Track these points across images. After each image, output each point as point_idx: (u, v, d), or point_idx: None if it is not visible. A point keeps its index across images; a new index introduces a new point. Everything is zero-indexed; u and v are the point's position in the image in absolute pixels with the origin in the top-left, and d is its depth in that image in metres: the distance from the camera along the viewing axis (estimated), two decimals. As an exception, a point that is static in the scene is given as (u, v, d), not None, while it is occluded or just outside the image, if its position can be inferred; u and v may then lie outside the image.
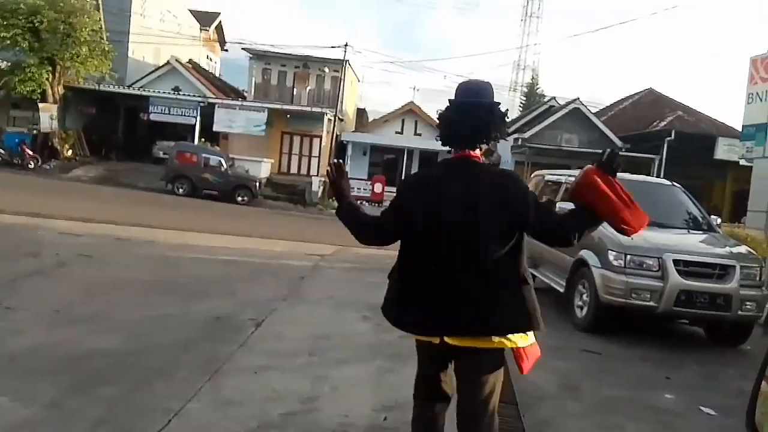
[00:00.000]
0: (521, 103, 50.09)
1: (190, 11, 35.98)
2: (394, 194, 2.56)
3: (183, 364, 4.09)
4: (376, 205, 23.15)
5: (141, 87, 27.30)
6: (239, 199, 20.97)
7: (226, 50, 40.88)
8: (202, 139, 25.02)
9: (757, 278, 6.31)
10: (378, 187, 23.97)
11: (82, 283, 6.18)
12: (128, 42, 28.26)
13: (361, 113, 37.13)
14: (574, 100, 27.44)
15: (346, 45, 27.87)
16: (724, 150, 22.89)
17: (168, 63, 28.72)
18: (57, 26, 22.17)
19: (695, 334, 6.98)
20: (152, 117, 25.71)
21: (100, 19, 24.29)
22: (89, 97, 26.06)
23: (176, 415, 3.25)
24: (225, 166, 21.27)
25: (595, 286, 6.17)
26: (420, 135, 29.54)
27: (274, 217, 18.27)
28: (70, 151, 24.62)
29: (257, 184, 21.60)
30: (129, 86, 27.12)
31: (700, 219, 7.36)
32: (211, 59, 39.13)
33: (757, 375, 0.97)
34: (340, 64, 28.15)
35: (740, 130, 14.13)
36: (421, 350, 2.54)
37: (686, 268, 5.98)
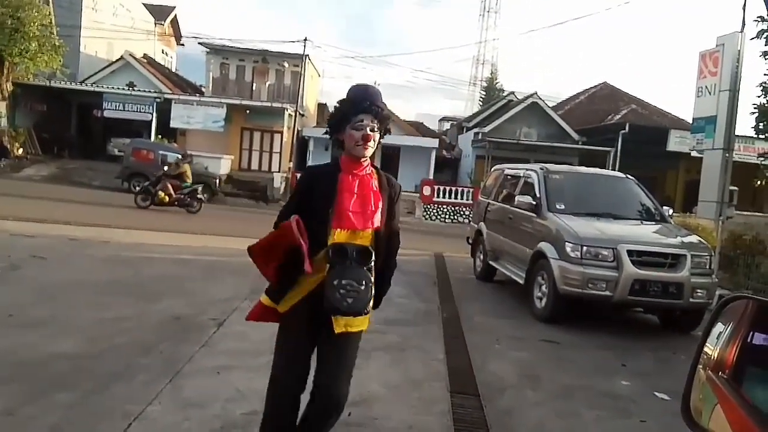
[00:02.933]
0: (481, 97, 50.64)
1: (144, 5, 35.07)
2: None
3: (142, 367, 4.02)
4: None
5: (94, 83, 26.52)
6: (198, 196, 20.57)
7: (182, 45, 40.04)
8: (159, 136, 24.50)
9: (707, 267, 6.55)
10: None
11: (35, 286, 6.00)
12: (80, 37, 27.41)
13: (322, 108, 36.86)
14: (532, 94, 27.92)
15: (305, 39, 27.64)
16: (675, 142, 23.64)
17: (122, 58, 27.97)
18: (4, 21, 21.36)
19: (649, 321, 7.21)
20: (106, 114, 25.05)
21: (49, 14, 23.48)
22: (40, 94, 25.21)
23: (136, 419, 3.20)
24: (183, 163, 20.83)
25: (554, 278, 6.31)
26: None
27: (234, 214, 18.03)
28: (20, 150, 23.78)
29: (217, 180, 21.26)
30: (81, 82, 26.33)
31: (653, 210, 7.60)
32: (166, 54, 38.25)
33: (692, 360, 1.01)
34: (299, 58, 27.90)
35: (691, 122, 14.61)
36: None
37: (640, 258, 6.17)
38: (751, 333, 0.97)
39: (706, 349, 1.01)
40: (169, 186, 15.67)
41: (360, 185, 2.52)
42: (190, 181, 16.20)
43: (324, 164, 2.71)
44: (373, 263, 2.44)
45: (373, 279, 2.42)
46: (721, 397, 0.96)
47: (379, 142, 2.61)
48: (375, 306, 2.52)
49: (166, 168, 16.82)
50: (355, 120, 2.48)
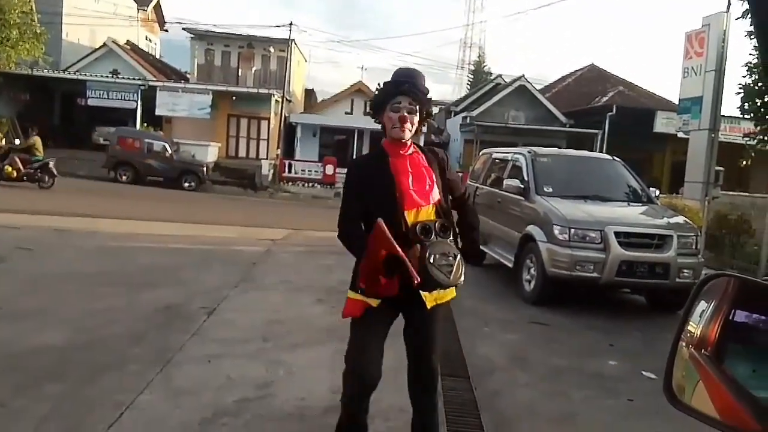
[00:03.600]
0: (469, 81, 50.53)
1: (126, -10, 34.55)
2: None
3: (133, 357, 4.01)
4: (328, 186, 23.04)
5: (77, 71, 26.16)
6: (186, 185, 20.49)
7: (166, 31, 39.52)
8: (145, 124, 24.26)
9: (694, 247, 6.62)
10: (329, 169, 23.81)
11: (23, 278, 5.96)
12: (62, 24, 26.94)
13: (309, 94, 36.68)
14: (520, 77, 27.87)
15: (291, 24, 27.39)
16: (662, 123, 23.74)
17: (105, 45, 27.58)
18: (-17, 9, 20.96)
19: (637, 302, 7.29)
20: (90, 102, 24.73)
21: (30, 0, 23.05)
22: (22, 83, 24.80)
23: (128, 408, 3.20)
24: (170, 151, 20.71)
25: (542, 260, 6.35)
26: (370, 114, 29.45)
27: (223, 202, 17.96)
28: (3, 140, 23.43)
29: (204, 169, 21.14)
30: (64, 70, 25.96)
31: (640, 191, 7.65)
32: (150, 40, 37.75)
33: (673, 338, 1.03)
34: (285, 43, 27.65)
35: (677, 103, 14.69)
36: None
37: (627, 240, 6.22)
38: (733, 311, 0.98)
39: (689, 327, 1.02)
40: (17, 160, 14.63)
41: (411, 165, 2.54)
42: (41, 154, 15.12)
43: (367, 153, 2.78)
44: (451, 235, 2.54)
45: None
46: (704, 374, 0.98)
47: (421, 126, 2.62)
48: (478, 256, 2.62)
49: (16, 142, 16.45)
50: (394, 102, 2.49)
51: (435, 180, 2.55)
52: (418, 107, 2.51)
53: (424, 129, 2.65)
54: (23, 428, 2.93)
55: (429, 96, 2.58)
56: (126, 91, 24.75)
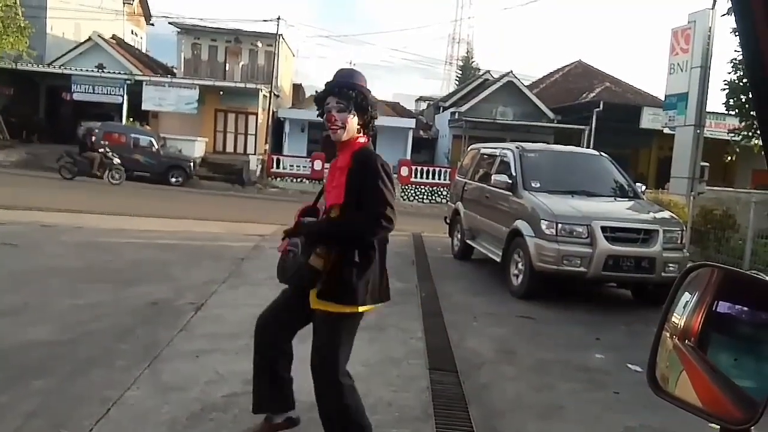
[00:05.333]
0: (457, 77, 50.56)
1: (112, -17, 34.15)
2: (381, 173, 2.54)
3: (120, 352, 4.00)
4: (317, 182, 22.97)
5: (62, 65, 25.79)
6: (173, 180, 20.35)
7: (152, 25, 39.11)
8: (131, 119, 24.01)
9: (679, 241, 6.69)
10: (318, 165, 23.72)
11: (8, 273, 5.90)
12: (46, 17, 26.54)
13: (297, 89, 36.50)
14: (508, 73, 27.93)
15: (278, 18, 27.19)
16: (649, 119, 23.92)
17: (90, 39, 27.20)
18: (-34, 2, 20.63)
19: (623, 296, 7.36)
20: (75, 96, 24.43)
21: (13, -7, 22.73)
22: (6, 77, 24.44)
23: (115, 404, 3.19)
24: (156, 146, 20.54)
25: (530, 255, 6.39)
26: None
27: (210, 198, 17.85)
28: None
29: (191, 164, 21.00)
30: (49, 64, 25.59)
31: (626, 187, 7.71)
32: (136, 34, 37.35)
33: (657, 327, 1.04)
34: (273, 38, 27.47)
35: (663, 99, 14.80)
36: (358, 322, 2.69)
37: (613, 234, 6.28)
38: (716, 301, 1.00)
39: (673, 318, 1.04)
40: None
41: (338, 165, 2.63)
42: None
43: None
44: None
45: (303, 253, 2.52)
46: (687, 364, 0.99)
47: (367, 124, 2.64)
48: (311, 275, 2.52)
49: None
50: (325, 103, 2.59)
51: (341, 182, 2.56)
52: (351, 105, 2.54)
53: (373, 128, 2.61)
54: (10, 424, 2.90)
55: (361, 92, 2.58)
56: (112, 86, 24.48)
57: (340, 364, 2.60)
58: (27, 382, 3.37)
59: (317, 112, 2.68)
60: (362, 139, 2.65)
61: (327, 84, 2.62)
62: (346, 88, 2.55)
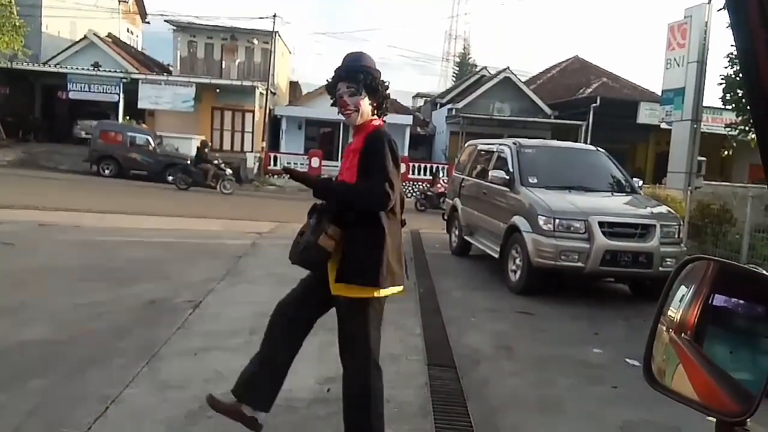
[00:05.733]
0: (454, 73, 50.53)
1: (107, -18, 34.00)
2: (387, 149, 2.53)
3: (118, 351, 3.99)
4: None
5: (57, 64, 25.72)
6: (170, 178, 20.31)
7: (148, 22, 38.98)
8: (127, 117, 23.97)
9: (676, 236, 6.71)
10: (315, 162, 23.70)
11: (5, 273, 5.89)
12: (41, 16, 26.45)
13: (294, 86, 36.44)
14: (505, 69, 27.93)
15: (275, 15, 27.15)
16: (646, 114, 23.94)
17: (85, 38, 27.13)
18: (-39, 1, 20.54)
19: (621, 291, 7.38)
20: (71, 95, 24.38)
21: (8, -8, 22.62)
22: (1, 77, 24.36)
23: (113, 402, 3.19)
24: (153, 144, 20.50)
25: (527, 251, 6.40)
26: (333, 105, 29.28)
27: (208, 195, 17.82)
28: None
29: (188, 162, 20.95)
30: (44, 63, 25.53)
31: (623, 182, 7.72)
32: (132, 33, 37.25)
33: (653, 321, 1.04)
34: (269, 35, 27.43)
35: (660, 94, 14.81)
36: (382, 308, 2.65)
37: (611, 229, 6.29)
38: (712, 294, 1.00)
39: (669, 311, 1.04)
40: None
41: (352, 147, 2.65)
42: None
43: None
44: (327, 215, 2.53)
45: (313, 233, 2.49)
46: (683, 357, 1.00)
47: (380, 105, 2.65)
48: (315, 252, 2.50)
49: None
50: (336, 89, 2.60)
51: (354, 162, 2.57)
52: (361, 87, 2.55)
53: (388, 110, 2.61)
54: (8, 423, 2.90)
55: (370, 72, 2.57)
56: (108, 84, 24.42)
57: (372, 352, 2.58)
58: (25, 381, 3.37)
59: (330, 102, 2.69)
60: (376, 122, 2.65)
61: (336, 70, 2.61)
62: (355, 72, 2.56)
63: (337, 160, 26.34)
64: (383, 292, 2.54)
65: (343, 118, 2.65)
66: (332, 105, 2.69)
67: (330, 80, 2.63)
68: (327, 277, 2.56)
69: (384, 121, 2.71)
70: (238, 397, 2.67)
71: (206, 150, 18.20)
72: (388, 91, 2.68)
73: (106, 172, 20.02)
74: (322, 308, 2.71)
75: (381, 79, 2.63)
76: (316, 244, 2.46)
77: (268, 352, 2.73)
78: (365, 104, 2.58)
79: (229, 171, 18.31)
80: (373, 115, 2.64)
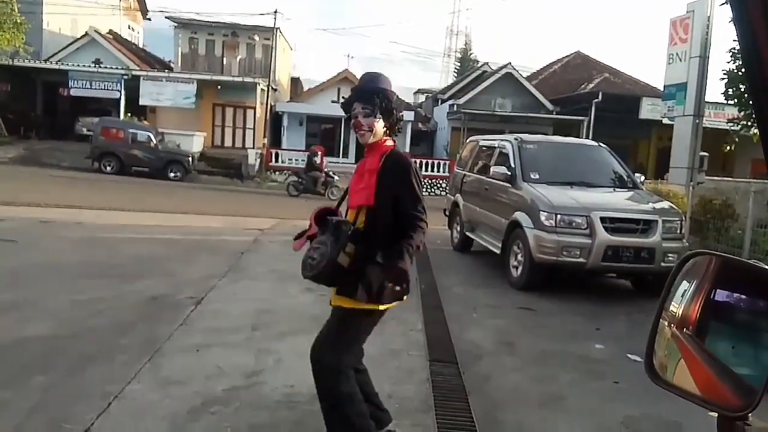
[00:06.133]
0: (455, 69, 50.44)
1: (108, -22, 33.94)
2: (413, 173, 2.59)
3: (120, 347, 4.00)
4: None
5: (59, 61, 25.70)
6: (172, 175, 20.33)
7: (149, 19, 38.90)
8: (128, 114, 23.97)
9: (678, 231, 6.69)
10: (316, 159, 23.65)
11: (7, 270, 5.90)
12: (42, 13, 26.39)
13: (295, 82, 36.42)
14: (506, 65, 27.87)
15: (276, 12, 27.09)
16: (648, 110, 23.88)
17: (87, 34, 27.11)
18: (-39, -2, 20.52)
19: (622, 286, 7.37)
20: (73, 92, 24.36)
21: (9, -11, 22.59)
22: (3, 74, 24.37)
23: (116, 398, 3.19)
24: (155, 141, 20.50)
25: (529, 246, 6.39)
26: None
27: (209, 192, 17.84)
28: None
29: (190, 158, 20.97)
30: (46, 60, 25.51)
31: (625, 177, 7.71)
32: (133, 29, 37.19)
33: (655, 316, 1.04)
34: (270, 31, 27.38)
35: (662, 90, 14.77)
36: (377, 319, 2.68)
37: (612, 225, 6.28)
38: (714, 289, 0.99)
39: (671, 306, 1.04)
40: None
41: (365, 166, 2.67)
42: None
43: None
44: (347, 232, 2.52)
45: (333, 249, 2.49)
46: (685, 352, 0.99)
47: (393, 126, 2.68)
48: (398, 281, 2.49)
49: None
50: (352, 108, 2.65)
51: (370, 183, 2.58)
52: (376, 109, 2.59)
53: (404, 129, 2.68)
54: (11, 420, 2.91)
55: (385, 95, 2.61)
56: (109, 81, 24.41)
57: (342, 355, 2.60)
58: (28, 378, 3.38)
59: (345, 116, 2.75)
60: (389, 142, 2.69)
61: (353, 90, 2.70)
62: (371, 93, 2.61)
63: (339, 156, 26.41)
64: (382, 307, 2.59)
65: (356, 134, 2.69)
66: (345, 120, 2.76)
67: (346, 99, 2.71)
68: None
69: (395, 141, 2.75)
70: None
71: (315, 159, 18.53)
72: (401, 114, 2.73)
73: (108, 168, 20.03)
74: None
75: (396, 100, 2.67)
76: (335, 261, 2.48)
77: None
78: (379, 125, 2.63)
79: (336, 178, 18.41)
80: (385, 135, 2.68)
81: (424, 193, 2.65)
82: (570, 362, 4.46)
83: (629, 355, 4.60)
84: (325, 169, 18.53)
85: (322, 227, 2.64)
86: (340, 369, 2.59)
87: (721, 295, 1.00)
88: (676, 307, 1.04)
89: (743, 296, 0.99)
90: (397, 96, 2.71)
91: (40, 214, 9.37)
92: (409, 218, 2.53)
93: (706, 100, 13.57)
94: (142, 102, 24.40)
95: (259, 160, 23.75)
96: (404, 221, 2.54)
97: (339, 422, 2.61)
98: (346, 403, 2.59)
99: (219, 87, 26.04)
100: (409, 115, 27.25)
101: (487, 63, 32.13)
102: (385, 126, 2.65)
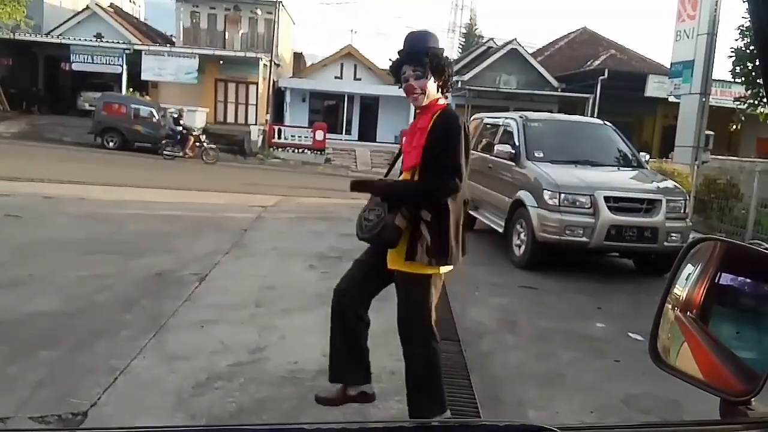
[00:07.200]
0: (460, 44, 49.85)
1: (108, -50, 33.49)
2: (462, 137, 2.53)
3: (126, 323, 4.04)
4: (318, 152, 22.86)
5: (60, 35, 25.52)
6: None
7: (151, -7, 38.56)
8: (130, 89, 23.85)
9: (682, 211, 6.68)
10: (319, 135, 23.59)
11: (12, 245, 5.93)
12: (43, -15, 26.20)
13: (298, 58, 36.11)
14: (512, 41, 27.58)
15: (278, -15, 26.76)
16: (654, 87, 23.66)
17: (88, 8, 26.88)
18: (-39, -29, 20.30)
19: (625, 265, 7.38)
20: (74, 67, 24.23)
21: (9, -39, 22.31)
22: (4, 48, 24.22)
23: (122, 373, 3.23)
24: (157, 116, 20.42)
25: (532, 225, 6.39)
26: (360, 80, 29.03)
27: (212, 168, 17.82)
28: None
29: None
30: (47, 34, 25.33)
31: (630, 156, 7.67)
32: (134, 3, 36.83)
33: (660, 299, 1.04)
34: (273, 5, 27.06)
35: (669, 67, 14.62)
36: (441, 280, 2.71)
37: (616, 204, 6.26)
38: (719, 274, 1.00)
39: (675, 290, 1.04)
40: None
41: (417, 127, 2.63)
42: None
43: None
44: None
45: (397, 211, 2.48)
46: (689, 336, 1.00)
47: (445, 84, 2.62)
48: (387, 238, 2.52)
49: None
50: (401, 72, 2.58)
51: (420, 143, 2.56)
52: (427, 70, 2.53)
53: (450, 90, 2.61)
54: (19, 394, 2.95)
55: (435, 53, 2.56)
56: (111, 56, 24.24)
57: (432, 324, 2.65)
58: (34, 353, 3.42)
59: (396, 84, 2.66)
60: (442, 101, 2.64)
61: (399, 52, 2.59)
62: (420, 54, 2.54)
63: (342, 133, 26.32)
64: (443, 270, 2.61)
65: (410, 101, 2.62)
66: (397, 86, 2.67)
67: (394, 62, 2.61)
68: (386, 253, 2.60)
69: (447, 99, 2.71)
70: (336, 381, 2.76)
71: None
72: (452, 69, 2.67)
73: (111, 144, 19.99)
74: (381, 284, 2.75)
75: (445, 57, 2.61)
76: (393, 224, 2.48)
77: (339, 330, 2.74)
78: (431, 86, 2.57)
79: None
80: (438, 94, 2.63)
81: None
82: (571, 341, 4.49)
83: (630, 334, 4.62)
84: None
85: (372, 190, 2.63)
86: (432, 332, 2.64)
87: (725, 279, 1.00)
88: (680, 290, 1.04)
89: (748, 280, 0.99)
90: (444, 51, 2.64)
91: (43, 189, 9.39)
92: (438, 179, 2.50)
93: (713, 77, 13.43)
94: (144, 77, 24.26)
95: (262, 136, 23.66)
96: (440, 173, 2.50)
97: (426, 386, 2.64)
98: (433, 362, 2.64)
99: (221, 62, 25.85)
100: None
101: (492, 39, 31.82)
102: (437, 85, 2.59)
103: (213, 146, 19.37)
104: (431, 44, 2.59)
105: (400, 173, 2.72)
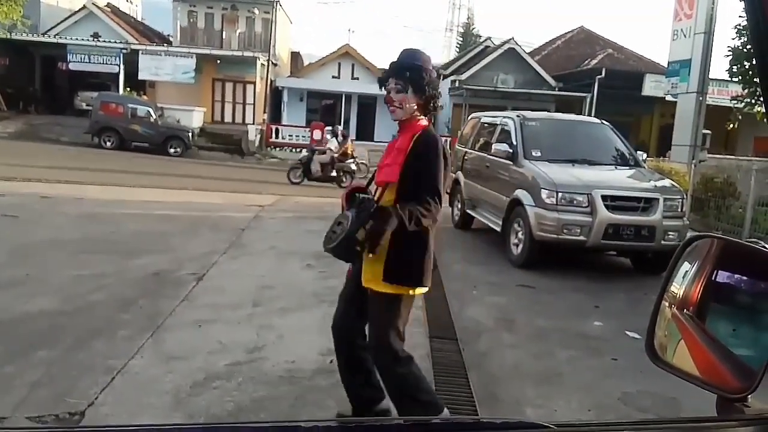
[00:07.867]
0: (458, 44, 49.86)
1: (105, -50, 33.41)
2: (439, 159, 2.54)
3: (123, 322, 4.03)
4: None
5: (57, 34, 25.46)
6: (172, 150, 20.28)
7: (148, -8, 38.46)
8: (127, 89, 23.81)
9: (679, 209, 6.69)
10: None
11: (8, 245, 5.92)
12: (39, -15, 26.12)
13: (295, 57, 36.06)
14: (509, 40, 27.56)
15: (275, -16, 26.73)
16: (651, 86, 23.68)
17: (84, 7, 26.80)
18: (-43, -31, 20.20)
19: (622, 264, 7.39)
20: (71, 66, 24.17)
21: (5, -40, 22.24)
22: (1, 47, 24.05)
23: (119, 373, 3.23)
24: (154, 116, 20.40)
25: (530, 224, 6.39)
26: (357, 79, 28.99)
27: (210, 168, 17.79)
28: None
29: (190, 134, 20.88)
30: (44, 34, 25.26)
31: (627, 155, 7.67)
32: (131, 2, 36.73)
33: (657, 297, 1.04)
34: (270, 5, 27.04)
35: (666, 66, 14.64)
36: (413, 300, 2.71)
37: (613, 203, 6.27)
38: (716, 271, 1.00)
39: (672, 287, 1.04)
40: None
41: (397, 144, 2.64)
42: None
43: None
44: (369, 209, 2.51)
45: (353, 224, 2.46)
46: (685, 334, 1.00)
47: (426, 104, 2.62)
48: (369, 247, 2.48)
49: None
50: (387, 84, 2.62)
51: (397, 161, 2.56)
52: (407, 85, 2.55)
53: (439, 108, 2.61)
54: (16, 394, 2.94)
55: (416, 69, 2.56)
56: (107, 55, 24.19)
57: (399, 342, 2.62)
58: (31, 353, 3.41)
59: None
60: (423, 122, 2.64)
61: (390, 64, 2.65)
62: (404, 68, 2.57)
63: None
64: (418, 291, 2.62)
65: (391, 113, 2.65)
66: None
67: (383, 74, 2.67)
68: (360, 268, 2.61)
69: (431, 120, 2.70)
70: (355, 404, 2.79)
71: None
72: (437, 92, 2.66)
73: (108, 144, 19.96)
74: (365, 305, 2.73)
75: (432, 79, 2.60)
76: (353, 237, 2.46)
77: (345, 361, 2.78)
78: (410, 102, 2.58)
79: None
80: (419, 113, 2.62)
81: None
82: (569, 339, 4.49)
83: (627, 333, 4.63)
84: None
85: (350, 203, 2.64)
86: (397, 351, 2.60)
87: (722, 276, 1.00)
88: (677, 288, 1.04)
89: (744, 278, 0.99)
90: (436, 74, 2.64)
91: (40, 189, 9.37)
92: (419, 202, 2.48)
93: (710, 77, 13.45)
94: (141, 76, 24.22)
95: (259, 136, 23.64)
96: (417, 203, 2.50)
97: (408, 404, 2.60)
98: (409, 382, 2.61)
99: (218, 62, 25.82)
100: (410, 91, 27.05)
101: (489, 38, 31.76)
102: (417, 103, 2.60)
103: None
104: (418, 62, 2.60)
105: (369, 184, 2.78)
